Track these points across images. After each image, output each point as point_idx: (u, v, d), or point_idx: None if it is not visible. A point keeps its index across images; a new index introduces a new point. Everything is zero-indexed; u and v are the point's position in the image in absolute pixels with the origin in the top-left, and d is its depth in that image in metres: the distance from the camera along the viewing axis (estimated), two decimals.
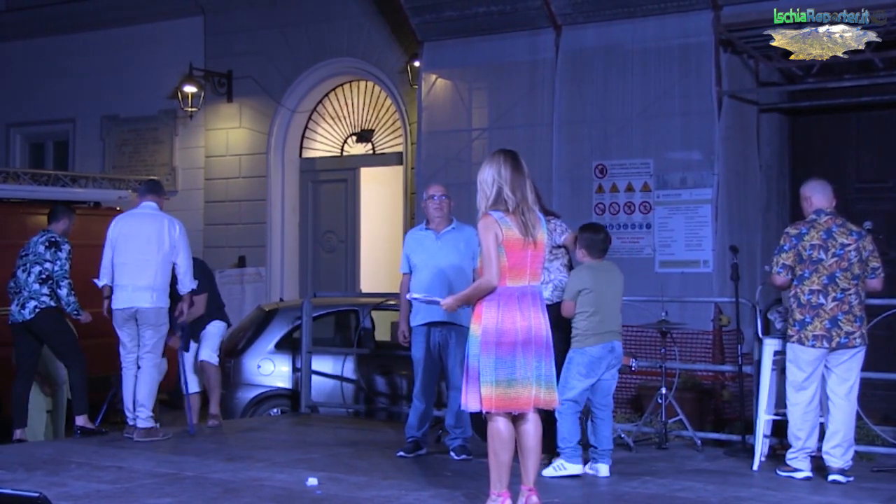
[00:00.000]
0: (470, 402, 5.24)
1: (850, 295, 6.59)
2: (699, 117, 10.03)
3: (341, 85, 14.02)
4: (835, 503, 5.93)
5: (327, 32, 13.54)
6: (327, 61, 13.66)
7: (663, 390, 7.70)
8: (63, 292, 8.27)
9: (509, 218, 5.22)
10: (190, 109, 14.21)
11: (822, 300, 6.57)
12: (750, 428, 7.28)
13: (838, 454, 6.57)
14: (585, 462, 6.69)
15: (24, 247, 8.45)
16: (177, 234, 8.13)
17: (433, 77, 11.70)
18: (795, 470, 6.63)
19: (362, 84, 13.84)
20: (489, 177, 5.29)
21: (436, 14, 11.39)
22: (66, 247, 8.37)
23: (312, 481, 6.26)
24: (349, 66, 13.59)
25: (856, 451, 7.33)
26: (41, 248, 8.33)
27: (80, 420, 8.34)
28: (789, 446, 6.74)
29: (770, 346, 6.99)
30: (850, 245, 6.60)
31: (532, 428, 5.26)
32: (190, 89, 14.05)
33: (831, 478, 6.53)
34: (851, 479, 6.53)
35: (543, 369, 5.23)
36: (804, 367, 6.62)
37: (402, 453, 7.28)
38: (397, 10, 11.93)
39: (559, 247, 7.16)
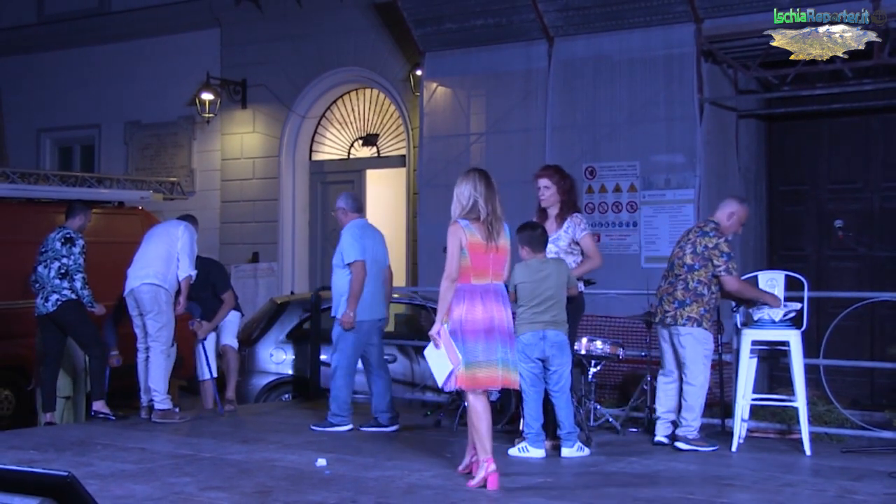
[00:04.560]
0: (449, 381, 5.61)
1: (679, 280, 6.87)
2: (682, 123, 10.03)
3: (348, 92, 14.01)
4: (808, 482, 5.90)
5: (335, 44, 13.52)
6: (335, 70, 13.65)
7: (648, 377, 7.69)
8: (77, 285, 8.19)
9: (475, 226, 5.62)
10: (207, 115, 14.21)
11: (661, 283, 7.05)
12: (729, 412, 7.27)
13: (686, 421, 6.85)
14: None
15: (43, 243, 8.37)
16: (179, 230, 8.28)
17: (434, 85, 11.69)
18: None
19: (368, 91, 13.83)
20: (466, 191, 5.67)
21: (436, 26, 11.38)
22: (80, 242, 8.29)
23: (321, 462, 6.26)
24: (356, 74, 13.58)
25: (826, 434, 7.36)
26: (58, 245, 8.26)
27: (98, 405, 8.32)
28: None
29: (748, 336, 6.97)
30: (691, 239, 6.92)
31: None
32: (207, 97, 14.05)
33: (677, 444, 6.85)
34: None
35: (508, 354, 5.66)
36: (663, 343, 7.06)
37: (361, 427, 7.76)
38: (400, 23, 11.93)
39: (576, 242, 6.98)
